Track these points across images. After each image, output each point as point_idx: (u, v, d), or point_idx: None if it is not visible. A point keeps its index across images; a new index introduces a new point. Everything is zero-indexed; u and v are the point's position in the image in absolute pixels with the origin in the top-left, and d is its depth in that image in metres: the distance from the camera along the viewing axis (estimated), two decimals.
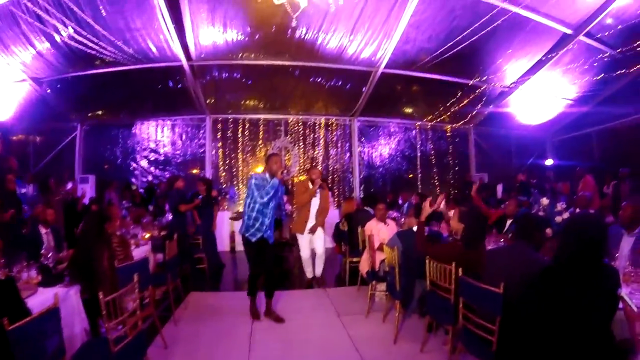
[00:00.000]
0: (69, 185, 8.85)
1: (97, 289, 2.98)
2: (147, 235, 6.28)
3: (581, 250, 2.34)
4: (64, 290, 3.62)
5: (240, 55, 8.91)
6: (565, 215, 5.77)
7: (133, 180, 11.25)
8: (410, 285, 4.40)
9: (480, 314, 3.10)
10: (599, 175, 9.84)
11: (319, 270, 6.70)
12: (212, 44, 8.43)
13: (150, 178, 11.38)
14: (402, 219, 7.63)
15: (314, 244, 6.57)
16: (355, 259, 6.60)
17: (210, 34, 8.13)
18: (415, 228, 4.43)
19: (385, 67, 9.31)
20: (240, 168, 11.50)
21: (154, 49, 8.24)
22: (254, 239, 4.92)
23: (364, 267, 5.81)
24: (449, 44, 8.41)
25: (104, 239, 3.89)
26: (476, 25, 7.77)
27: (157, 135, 11.48)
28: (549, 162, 13.07)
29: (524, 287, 2.72)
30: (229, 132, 11.50)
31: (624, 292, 2.37)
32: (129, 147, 11.45)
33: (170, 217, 7.72)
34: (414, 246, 4.09)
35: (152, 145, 11.45)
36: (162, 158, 11.49)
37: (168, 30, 7.61)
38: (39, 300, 3.27)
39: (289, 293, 6.16)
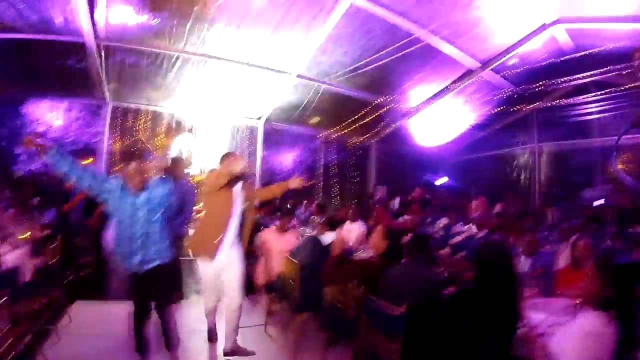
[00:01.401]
0: None
1: None
2: (28, 234, 5.44)
3: (499, 276, 2.52)
4: None
5: (151, 41, 8.31)
6: (463, 236, 6.11)
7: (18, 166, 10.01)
8: (318, 289, 4.18)
9: (382, 332, 3.15)
10: (489, 198, 10.74)
11: (229, 339, 4.09)
12: (123, 25, 7.69)
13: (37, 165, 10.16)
14: (301, 228, 7.79)
15: (225, 287, 4.02)
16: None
17: (123, 14, 7.43)
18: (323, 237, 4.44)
19: (299, 74, 9.34)
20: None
21: (58, 19, 7.31)
22: (130, 268, 3.64)
23: (259, 278, 5.63)
24: (363, 61, 8.69)
25: None
26: (391, 48, 8.14)
27: (49, 118, 10.32)
28: (443, 180, 13.98)
29: (423, 303, 2.85)
30: (128, 122, 10.68)
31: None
32: (15, 128, 10.09)
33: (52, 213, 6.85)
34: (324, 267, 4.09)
35: (41, 129, 10.23)
36: (51, 144, 10.23)
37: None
38: None
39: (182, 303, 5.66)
